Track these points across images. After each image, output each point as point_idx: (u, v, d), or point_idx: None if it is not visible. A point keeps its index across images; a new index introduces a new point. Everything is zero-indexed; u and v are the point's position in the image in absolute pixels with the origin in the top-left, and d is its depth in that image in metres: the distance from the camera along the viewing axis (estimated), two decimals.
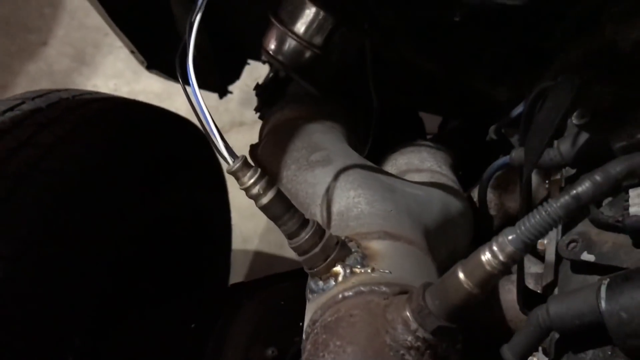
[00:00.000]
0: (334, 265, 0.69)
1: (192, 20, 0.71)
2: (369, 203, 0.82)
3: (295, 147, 1.01)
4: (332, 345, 0.62)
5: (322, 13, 1.07)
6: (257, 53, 1.20)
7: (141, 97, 1.64)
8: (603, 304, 0.61)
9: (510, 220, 1.12)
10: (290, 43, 1.09)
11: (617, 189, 0.70)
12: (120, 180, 1.26)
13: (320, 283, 0.69)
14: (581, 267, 0.76)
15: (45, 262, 1.05)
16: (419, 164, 1.13)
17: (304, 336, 0.69)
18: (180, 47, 0.71)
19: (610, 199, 0.75)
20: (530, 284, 0.90)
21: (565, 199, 0.56)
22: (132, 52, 1.53)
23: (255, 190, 0.67)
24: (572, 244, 0.76)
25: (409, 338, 0.59)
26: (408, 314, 0.60)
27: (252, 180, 0.67)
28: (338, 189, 0.87)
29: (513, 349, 0.68)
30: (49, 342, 1.05)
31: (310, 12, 1.07)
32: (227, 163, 0.68)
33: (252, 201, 0.69)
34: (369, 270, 0.69)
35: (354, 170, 0.91)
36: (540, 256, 0.94)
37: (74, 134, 1.21)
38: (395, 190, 0.89)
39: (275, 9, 1.11)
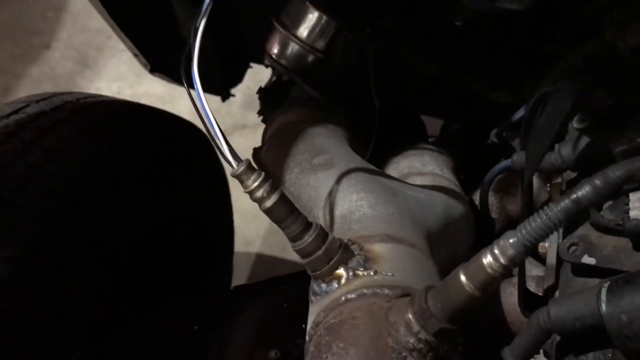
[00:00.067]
0: (337, 268, 0.69)
1: (197, 25, 0.72)
2: (372, 206, 0.83)
3: (298, 150, 1.02)
4: (335, 347, 0.63)
5: (324, 17, 1.08)
6: (260, 56, 1.21)
7: (144, 100, 1.64)
8: (603, 306, 0.61)
9: (511, 223, 1.13)
10: (293, 47, 1.10)
11: (618, 193, 0.70)
12: (124, 182, 1.26)
13: (323, 285, 0.70)
14: (582, 270, 0.77)
15: (49, 263, 1.06)
16: (421, 167, 1.14)
17: (307, 338, 0.70)
18: (185, 52, 0.72)
19: (610, 202, 0.75)
20: (532, 286, 0.91)
21: (565, 203, 0.57)
22: (135, 55, 1.54)
23: (259, 193, 0.68)
24: (573, 247, 0.76)
25: (411, 340, 0.60)
26: (410, 316, 0.60)
27: (256, 184, 0.68)
28: (341, 192, 0.87)
29: (514, 351, 0.68)
30: (53, 343, 1.06)
31: (313, 17, 1.08)
32: (231, 166, 0.68)
33: (254, 204, 0.70)
34: (372, 273, 0.69)
35: (356, 173, 0.91)
36: (541, 259, 0.94)
37: (78, 136, 1.21)
38: (398, 193, 0.90)
39: (278, 13, 1.12)
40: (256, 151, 1.15)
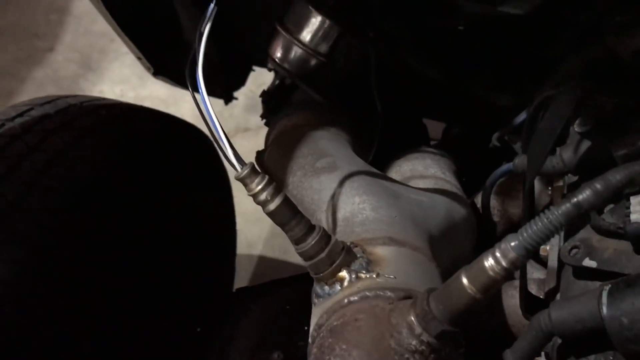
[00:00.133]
0: (340, 271, 0.70)
1: (202, 30, 0.72)
2: (374, 209, 0.83)
3: (301, 153, 1.03)
4: (338, 348, 0.63)
5: (327, 22, 1.08)
6: (263, 60, 1.21)
7: (147, 103, 1.65)
8: (604, 309, 0.61)
9: (513, 226, 1.13)
10: (296, 51, 1.11)
11: (618, 197, 0.71)
12: (128, 185, 1.27)
13: (326, 288, 0.71)
14: (583, 273, 0.77)
15: (53, 265, 1.06)
16: (423, 171, 1.14)
17: (310, 340, 0.70)
18: (190, 56, 0.72)
19: (611, 206, 0.75)
20: (533, 289, 0.91)
21: (566, 206, 0.57)
22: (138, 58, 1.54)
23: (262, 196, 0.68)
24: (574, 250, 0.77)
25: (414, 342, 0.61)
26: (412, 318, 0.61)
27: (259, 187, 0.68)
28: (343, 195, 0.88)
29: (515, 353, 0.69)
30: (57, 344, 1.06)
31: (316, 21, 1.08)
32: (235, 170, 0.69)
33: (257, 206, 0.70)
34: (374, 276, 0.70)
35: (359, 176, 0.92)
36: (542, 262, 0.94)
37: (82, 139, 1.22)
38: (400, 196, 0.90)
39: (281, 17, 1.12)
40: (259, 154, 1.16)
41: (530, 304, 0.87)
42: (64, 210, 1.11)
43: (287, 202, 0.69)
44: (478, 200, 1.13)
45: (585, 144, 0.83)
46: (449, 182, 1.11)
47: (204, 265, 1.70)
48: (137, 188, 1.30)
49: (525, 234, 0.56)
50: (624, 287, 0.62)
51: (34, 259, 1.04)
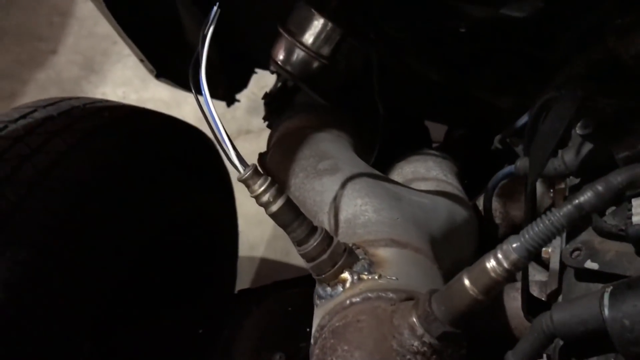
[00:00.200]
0: (342, 272, 0.70)
1: (205, 32, 0.72)
2: (376, 211, 0.84)
3: (304, 155, 1.03)
4: (340, 349, 0.63)
5: (329, 24, 1.08)
6: (265, 62, 1.22)
7: (149, 105, 1.65)
8: (606, 311, 0.62)
9: (515, 228, 1.13)
10: (298, 53, 1.11)
11: (620, 199, 0.71)
12: (130, 187, 1.27)
13: (328, 289, 0.71)
14: (585, 275, 0.77)
15: (56, 267, 1.07)
16: (425, 173, 1.14)
17: (312, 341, 0.70)
18: (193, 58, 0.73)
19: (613, 208, 0.76)
20: (535, 291, 0.91)
21: (568, 208, 0.58)
22: (141, 60, 1.55)
23: (265, 198, 0.68)
24: (576, 252, 0.77)
25: (415, 343, 0.61)
26: (414, 319, 0.61)
27: (262, 188, 0.68)
28: (345, 197, 0.88)
29: (517, 355, 0.69)
30: (59, 345, 1.07)
31: (318, 23, 1.08)
32: (238, 171, 0.69)
33: (258, 208, 0.70)
34: (376, 277, 0.70)
35: (361, 178, 0.92)
36: (544, 264, 0.94)
37: (85, 141, 1.22)
38: (402, 198, 0.91)
39: (284, 20, 1.13)
40: (261, 156, 1.16)
41: (532, 306, 0.87)
42: (66, 212, 1.11)
43: (289, 204, 0.69)
44: (480, 202, 1.13)
45: (587, 147, 0.83)
46: (451, 184, 1.11)
47: (206, 267, 1.71)
48: (139, 190, 1.30)
49: (526, 236, 0.57)
50: (626, 289, 0.62)
51: (36, 260, 1.04)
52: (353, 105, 1.24)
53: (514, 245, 0.57)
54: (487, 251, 0.59)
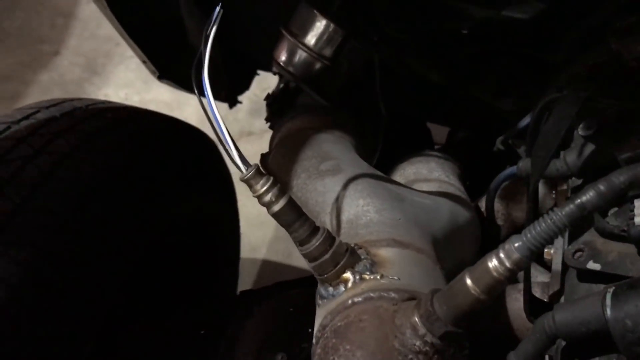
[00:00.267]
0: (344, 272, 0.70)
1: (208, 33, 0.73)
2: (378, 211, 0.84)
3: (306, 156, 1.03)
4: (342, 349, 0.63)
5: (332, 26, 1.09)
6: (267, 64, 1.22)
7: (151, 107, 1.66)
8: (608, 311, 0.62)
9: (517, 230, 1.13)
10: (300, 55, 1.11)
11: (622, 199, 0.71)
12: (132, 188, 1.27)
13: (330, 289, 0.71)
14: (587, 276, 0.77)
15: (58, 268, 1.07)
16: (427, 174, 1.15)
17: (314, 341, 0.70)
18: (196, 59, 0.73)
19: (615, 209, 0.76)
20: (537, 292, 0.91)
21: (570, 207, 0.58)
22: (144, 62, 1.55)
23: (267, 197, 0.68)
24: (579, 253, 0.77)
25: (417, 343, 0.61)
26: (416, 319, 0.61)
27: (264, 188, 0.68)
28: (347, 197, 0.88)
29: (519, 356, 0.69)
30: (61, 346, 1.07)
31: (320, 25, 1.09)
32: (240, 171, 0.69)
33: (260, 210, 0.70)
34: (378, 277, 0.70)
35: (363, 179, 0.92)
36: (547, 266, 0.95)
37: (87, 142, 1.23)
38: (404, 199, 0.91)
39: (286, 21, 1.13)
40: (263, 157, 1.16)
41: (535, 308, 0.87)
42: (69, 213, 1.11)
43: (291, 204, 0.69)
44: (482, 203, 1.13)
45: (589, 148, 0.83)
46: (453, 185, 1.12)
47: (208, 269, 1.71)
48: (142, 191, 1.30)
49: (528, 235, 0.57)
50: (628, 289, 0.62)
51: (39, 261, 1.04)
52: (355, 107, 1.25)
53: (516, 244, 0.57)
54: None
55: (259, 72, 1.73)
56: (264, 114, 1.33)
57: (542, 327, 0.67)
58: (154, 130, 1.44)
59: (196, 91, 0.73)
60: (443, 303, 0.60)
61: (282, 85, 1.26)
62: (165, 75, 1.57)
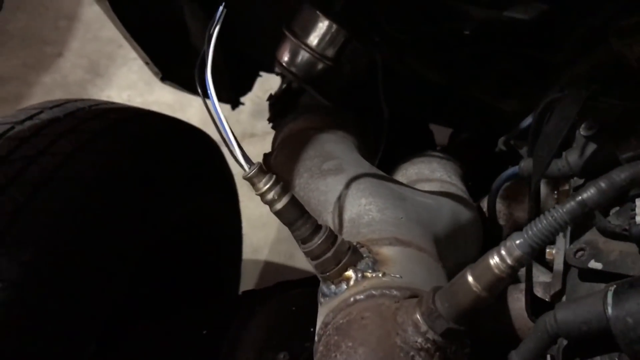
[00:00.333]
0: (346, 270, 0.70)
1: (211, 32, 0.73)
2: (380, 210, 0.84)
3: (308, 156, 1.03)
4: (344, 346, 0.63)
5: (334, 26, 1.09)
6: (269, 65, 1.23)
7: (154, 108, 1.66)
8: (609, 310, 0.62)
9: (519, 230, 1.13)
10: (303, 55, 1.12)
11: (623, 197, 0.71)
12: (135, 188, 1.28)
13: (332, 287, 0.71)
14: (588, 275, 0.77)
15: (61, 268, 1.07)
16: (429, 174, 1.15)
17: (316, 338, 0.71)
18: (199, 60, 0.73)
19: (617, 208, 0.76)
20: (539, 292, 0.91)
21: (571, 204, 0.58)
22: (146, 63, 1.56)
23: (270, 195, 0.69)
24: (580, 253, 0.77)
25: (419, 340, 0.61)
26: (418, 316, 0.61)
27: (267, 186, 0.69)
28: (350, 196, 0.88)
29: (521, 355, 0.69)
30: (64, 347, 1.07)
31: (323, 26, 1.09)
32: (243, 170, 0.69)
33: (262, 211, 0.71)
34: (380, 275, 0.70)
35: (365, 178, 0.92)
36: (548, 266, 0.95)
37: (91, 143, 1.23)
38: (406, 198, 0.91)
39: (289, 22, 1.13)
40: (266, 157, 1.16)
41: (536, 307, 0.87)
42: (72, 213, 1.12)
43: (294, 202, 0.70)
44: (484, 204, 1.13)
45: (591, 147, 0.84)
46: (455, 185, 1.12)
47: (210, 269, 1.71)
48: (144, 191, 1.31)
49: (530, 232, 0.57)
50: (629, 288, 0.62)
51: (41, 261, 1.04)
52: (357, 107, 1.25)
53: (517, 241, 0.57)
54: None
55: (261, 73, 1.73)
56: (267, 115, 1.33)
57: (543, 326, 0.67)
58: (156, 131, 1.44)
59: (199, 89, 0.73)
60: (445, 300, 0.60)
61: (284, 86, 1.26)
62: (168, 77, 1.57)
